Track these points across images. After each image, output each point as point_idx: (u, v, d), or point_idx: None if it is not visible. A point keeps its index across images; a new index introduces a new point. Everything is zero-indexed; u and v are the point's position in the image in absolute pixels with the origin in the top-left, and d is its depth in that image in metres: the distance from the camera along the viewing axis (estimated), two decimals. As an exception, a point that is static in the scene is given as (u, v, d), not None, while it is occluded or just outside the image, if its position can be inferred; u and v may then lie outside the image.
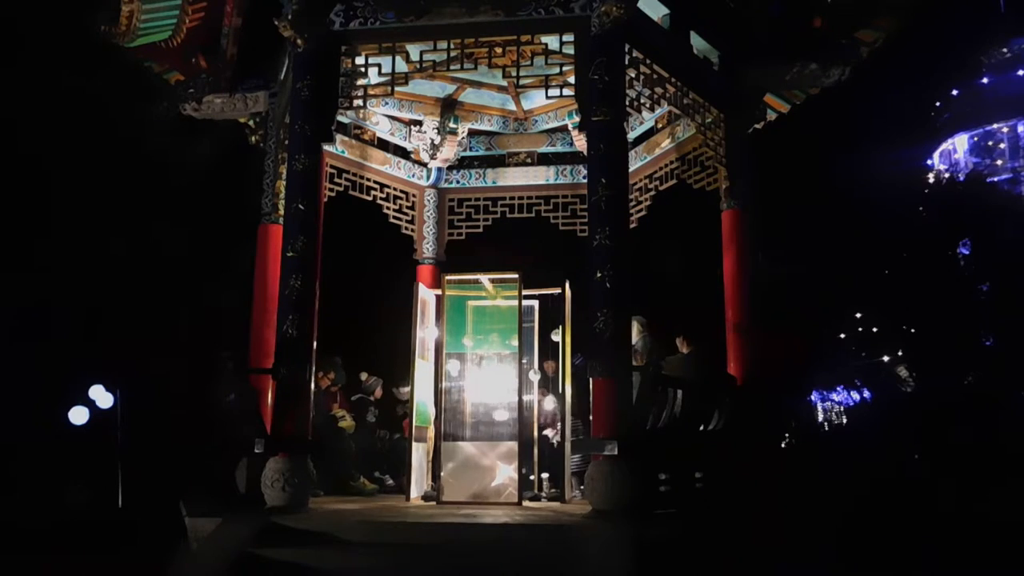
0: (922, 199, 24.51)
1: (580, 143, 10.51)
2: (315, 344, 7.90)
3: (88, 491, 12.24)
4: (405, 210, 11.43)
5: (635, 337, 9.56)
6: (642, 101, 8.18)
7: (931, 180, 27.81)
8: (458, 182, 11.69)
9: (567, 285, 9.31)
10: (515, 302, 8.89)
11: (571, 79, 7.96)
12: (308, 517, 7.12)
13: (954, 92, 37.48)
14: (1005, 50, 36.96)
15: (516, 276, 8.96)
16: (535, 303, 9.59)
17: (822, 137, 25.28)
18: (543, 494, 9.13)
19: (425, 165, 11.49)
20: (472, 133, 11.54)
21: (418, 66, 8.44)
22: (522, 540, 6.56)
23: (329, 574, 6.35)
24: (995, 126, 35.82)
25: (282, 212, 8.70)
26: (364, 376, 11.06)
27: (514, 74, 8.29)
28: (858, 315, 24.22)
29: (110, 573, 8.72)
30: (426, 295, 9.66)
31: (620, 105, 7.66)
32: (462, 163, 11.70)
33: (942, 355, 20.65)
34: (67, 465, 13.09)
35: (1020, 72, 36.03)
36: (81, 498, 12.08)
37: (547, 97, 9.47)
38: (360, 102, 8.49)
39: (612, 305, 7.17)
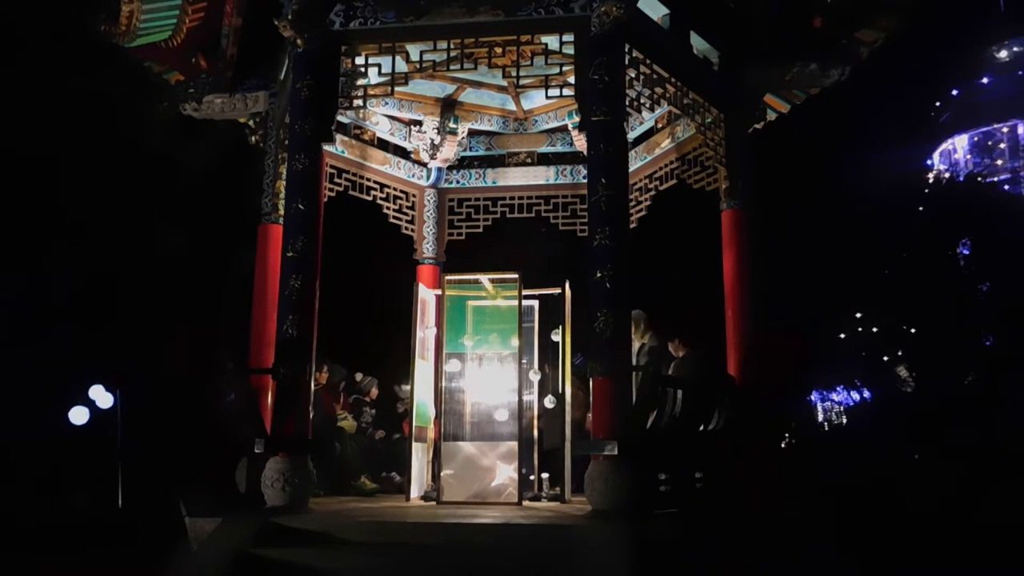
0: (922, 199, 24.49)
1: (580, 143, 10.51)
2: (315, 344, 7.91)
3: (89, 491, 12.25)
4: (405, 210, 11.43)
5: (643, 338, 9.59)
6: (642, 101, 8.18)
7: (931, 180, 27.81)
8: (458, 182, 11.69)
9: (567, 285, 9.31)
10: (515, 302, 8.89)
11: (571, 79, 7.96)
12: (308, 517, 7.12)
13: (954, 92, 37.52)
14: (1005, 50, 36.98)
15: (516, 276, 8.97)
16: (535, 303, 9.59)
17: (822, 137, 25.26)
18: (543, 494, 9.13)
19: (425, 165, 11.49)
20: (472, 133, 11.54)
21: (418, 66, 8.44)
22: (522, 540, 6.56)
23: (329, 574, 6.36)
24: (995, 126, 35.83)
25: (282, 212, 8.70)
26: (359, 376, 11.08)
27: (514, 74, 8.29)
28: (858, 315, 24.21)
29: (110, 572, 8.72)
30: (426, 295, 9.67)
31: (620, 105, 7.66)
32: (462, 163, 11.70)
33: (942, 355, 20.65)
34: (67, 465, 13.09)
35: (1020, 72, 36.04)
36: (82, 498, 12.09)
37: (547, 97, 9.46)
38: (360, 102, 8.49)
39: (612, 305, 7.18)
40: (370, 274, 18.79)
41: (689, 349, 9.35)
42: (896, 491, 11.73)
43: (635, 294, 7.55)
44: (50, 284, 15.91)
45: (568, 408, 9.10)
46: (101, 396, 12.76)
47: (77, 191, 15.95)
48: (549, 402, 9.31)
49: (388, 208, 11.23)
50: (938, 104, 37.67)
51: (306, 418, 7.68)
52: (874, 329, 23.73)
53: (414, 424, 9.15)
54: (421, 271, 11.27)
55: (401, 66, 8.36)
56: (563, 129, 11.30)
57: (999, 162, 35.16)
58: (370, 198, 10.98)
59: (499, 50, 8.27)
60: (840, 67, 9.12)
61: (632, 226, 9.50)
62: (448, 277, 9.49)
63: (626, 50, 7.83)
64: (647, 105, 8.34)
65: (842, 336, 24.41)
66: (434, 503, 8.56)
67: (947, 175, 29.14)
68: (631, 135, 10.19)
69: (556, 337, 9.40)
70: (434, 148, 11.22)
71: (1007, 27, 36.55)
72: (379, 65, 8.23)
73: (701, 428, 7.71)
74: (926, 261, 21.88)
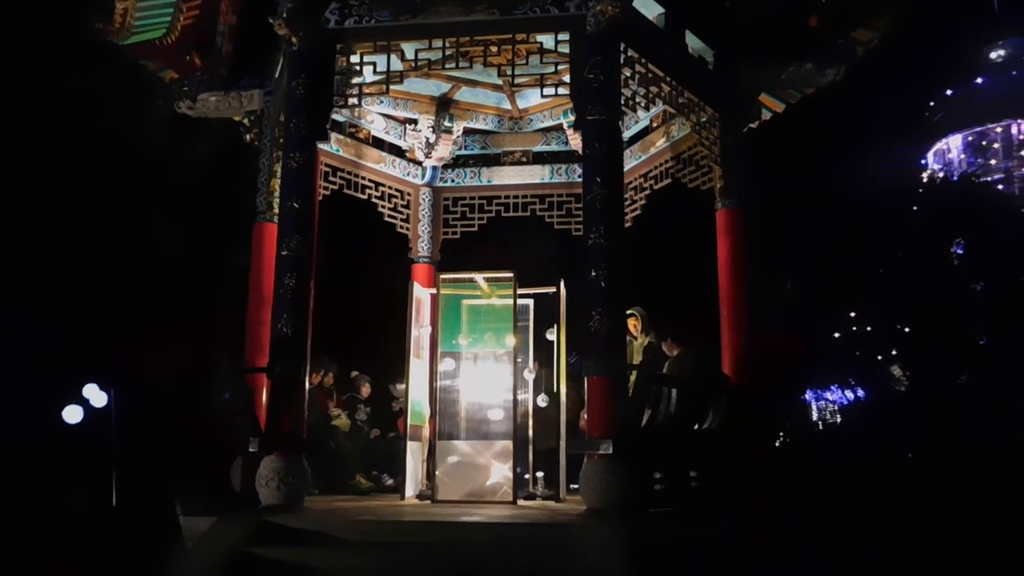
0: (916, 199, 24.54)
1: (575, 142, 10.51)
2: (310, 343, 7.90)
3: (85, 491, 12.22)
4: (400, 209, 11.42)
5: (648, 336, 9.58)
6: (637, 100, 8.19)
7: (925, 180, 27.88)
8: (453, 181, 11.68)
9: (562, 284, 9.31)
10: (510, 301, 8.89)
11: (566, 78, 7.97)
12: (303, 516, 7.11)
13: (948, 92, 37.59)
14: (999, 50, 37.06)
15: (511, 275, 8.96)
16: (530, 302, 9.59)
17: (817, 136, 25.29)
18: (538, 493, 9.13)
19: (420, 164, 11.48)
20: (467, 132, 11.53)
21: (413, 64, 8.43)
22: (517, 539, 6.57)
23: (324, 573, 6.35)
24: (989, 126, 35.92)
25: (277, 210, 8.66)
26: (354, 375, 11.07)
27: (509, 73, 8.29)
28: (852, 314, 24.25)
29: (105, 571, 8.70)
30: (421, 294, 9.67)
31: (615, 104, 7.66)
32: (457, 162, 11.68)
33: (936, 354, 20.69)
34: (62, 464, 13.06)
35: (1014, 72, 36.14)
36: (79, 497, 12.06)
37: (542, 96, 9.48)
38: (355, 100, 8.50)
39: (607, 304, 7.17)
40: (365, 273, 18.78)
41: (682, 348, 9.35)
42: (891, 490, 11.74)
43: (630, 293, 7.55)
44: (45, 282, 15.87)
45: (563, 407, 9.11)
46: (95, 395, 12.73)
47: (72, 189, 15.91)
48: (542, 401, 9.32)
49: (383, 207, 11.22)
50: (932, 104, 37.76)
51: (301, 417, 7.66)
52: (868, 328, 23.78)
53: (409, 423, 9.16)
54: (416, 270, 11.26)
55: (396, 64, 8.37)
56: (558, 128, 11.30)
57: (993, 162, 35.26)
58: (365, 197, 10.96)
59: (494, 49, 8.27)
60: (835, 67, 9.13)
61: (627, 225, 9.48)
62: (443, 276, 9.49)
63: (621, 49, 7.83)
64: (642, 104, 8.35)
65: (836, 335, 24.44)
66: (429, 502, 8.56)
67: (941, 175, 29.24)
68: (626, 134, 10.20)
69: (551, 336, 9.41)
70: (429, 147, 11.21)
71: (1001, 27, 36.64)
72: (374, 63, 8.23)
73: (696, 427, 7.71)
74: (920, 260, 21.92)
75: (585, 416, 9.29)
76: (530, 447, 9.20)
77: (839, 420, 26.18)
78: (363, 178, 10.90)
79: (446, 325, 9.24)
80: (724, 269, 9.07)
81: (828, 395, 27.26)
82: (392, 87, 8.82)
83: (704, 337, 9.40)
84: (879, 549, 8.74)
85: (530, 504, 8.63)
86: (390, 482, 10.15)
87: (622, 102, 7.84)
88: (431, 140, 11.15)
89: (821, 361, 23.18)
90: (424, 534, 6.75)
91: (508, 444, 8.61)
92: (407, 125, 11.32)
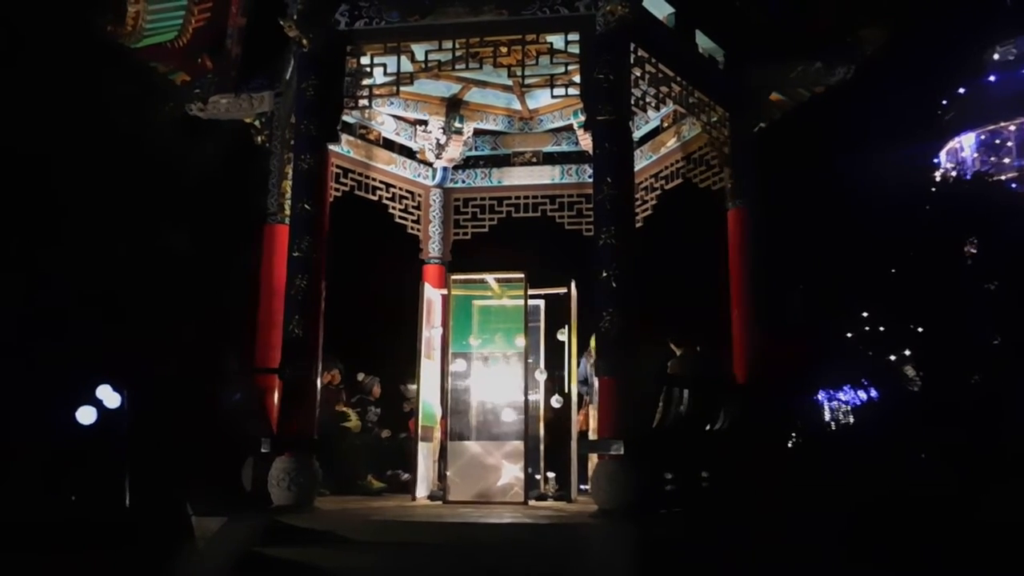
0: (929, 198, 24.41)
1: (586, 142, 10.51)
2: (321, 344, 7.92)
3: (96, 491, 12.26)
4: (411, 210, 11.43)
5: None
6: (647, 100, 8.18)
7: (938, 179, 27.74)
8: (463, 182, 11.69)
9: (573, 285, 9.31)
10: (521, 302, 8.91)
11: (576, 78, 7.97)
12: (314, 516, 7.14)
13: (961, 90, 37.34)
14: (1012, 48, 36.82)
15: (522, 276, 8.98)
16: (541, 302, 9.59)
17: (828, 135, 25.18)
18: (549, 493, 9.13)
19: (430, 165, 11.50)
20: (477, 133, 11.54)
21: (423, 66, 8.46)
22: (528, 539, 6.57)
23: (335, 573, 6.37)
24: (1002, 124, 35.67)
25: (288, 212, 8.71)
26: (361, 376, 11.07)
27: (519, 73, 8.32)
28: (865, 314, 24.14)
29: (117, 571, 8.73)
30: (432, 295, 9.68)
31: (625, 104, 7.66)
32: (467, 163, 11.70)
33: (949, 354, 20.58)
34: (76, 465, 13.11)
35: (1027, 70, 35.89)
36: (94, 498, 12.10)
37: (552, 96, 9.45)
38: (365, 102, 8.52)
39: (618, 304, 7.17)
40: (376, 274, 18.79)
41: (685, 348, 9.33)
42: (903, 490, 11.69)
43: (640, 293, 7.54)
44: (57, 284, 15.93)
45: (575, 407, 9.11)
46: (108, 396, 12.77)
47: (83, 191, 15.97)
48: (556, 402, 9.32)
49: (394, 208, 11.23)
50: (944, 102, 37.52)
51: (312, 417, 7.69)
52: (881, 328, 23.66)
53: (420, 424, 9.17)
54: (427, 271, 11.27)
55: (406, 66, 8.38)
56: (568, 128, 11.30)
57: (1006, 160, 35.00)
58: (376, 198, 10.98)
59: (504, 49, 8.28)
60: (845, 65, 9.11)
61: (638, 225, 9.47)
62: (454, 277, 9.51)
63: (631, 49, 7.83)
64: (652, 104, 8.34)
65: (849, 335, 24.33)
66: (440, 502, 8.57)
67: (954, 174, 29.08)
68: (637, 134, 10.19)
69: (562, 337, 9.41)
70: (439, 148, 11.22)
71: (1014, 24, 36.38)
72: (384, 65, 8.25)
73: (707, 428, 7.70)
74: (933, 260, 21.80)
75: (580, 416, 9.34)
76: (541, 447, 9.19)
77: (852, 420, 26.05)
78: (374, 179, 10.91)
79: (457, 326, 9.26)
80: (735, 269, 9.05)
81: (841, 395, 27.12)
82: (402, 88, 8.83)
83: (714, 337, 9.39)
84: (890, 549, 8.71)
85: (541, 505, 8.63)
86: (406, 476, 10.12)
87: (632, 102, 7.84)
88: (441, 141, 11.17)
89: (833, 361, 23.08)
90: (435, 535, 6.76)
91: (519, 445, 8.62)
92: (417, 126, 11.33)
